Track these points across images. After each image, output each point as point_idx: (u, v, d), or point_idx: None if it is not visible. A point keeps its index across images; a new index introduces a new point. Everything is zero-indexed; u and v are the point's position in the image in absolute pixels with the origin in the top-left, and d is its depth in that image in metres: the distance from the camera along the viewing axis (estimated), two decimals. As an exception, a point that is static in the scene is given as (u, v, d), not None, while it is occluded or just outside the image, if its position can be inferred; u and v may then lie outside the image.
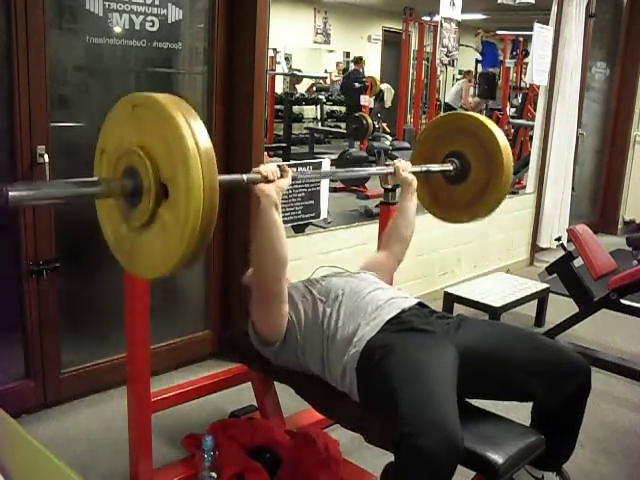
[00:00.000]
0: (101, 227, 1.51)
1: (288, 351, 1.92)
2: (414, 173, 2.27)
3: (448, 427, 1.45)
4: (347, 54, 11.45)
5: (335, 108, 10.25)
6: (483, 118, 2.37)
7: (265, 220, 1.71)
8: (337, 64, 10.52)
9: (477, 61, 10.62)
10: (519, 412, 1.91)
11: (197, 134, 1.25)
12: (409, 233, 2.27)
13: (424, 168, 2.33)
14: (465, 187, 2.39)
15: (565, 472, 1.92)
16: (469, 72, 9.79)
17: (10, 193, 1.20)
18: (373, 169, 2.21)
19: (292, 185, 2.96)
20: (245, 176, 1.70)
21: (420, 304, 1.96)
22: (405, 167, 2.24)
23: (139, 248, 1.40)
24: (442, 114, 2.60)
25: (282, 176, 1.75)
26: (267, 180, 1.71)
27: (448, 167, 2.37)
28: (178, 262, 1.31)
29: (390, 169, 2.25)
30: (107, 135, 1.46)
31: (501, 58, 9.38)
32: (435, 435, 1.42)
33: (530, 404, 1.90)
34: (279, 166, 1.77)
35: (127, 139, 1.36)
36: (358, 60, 9.08)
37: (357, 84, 8.49)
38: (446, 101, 9.24)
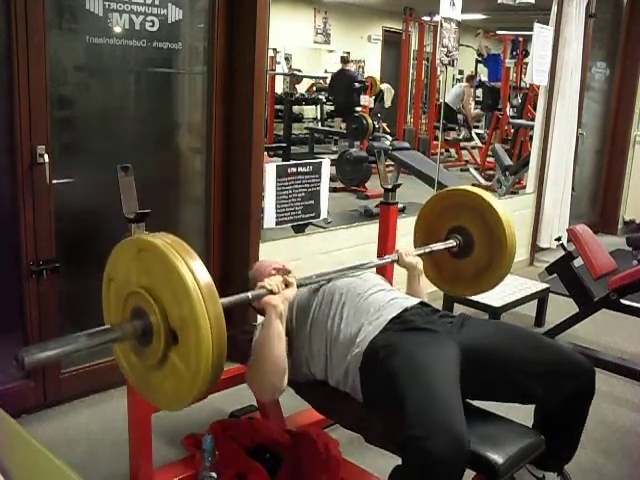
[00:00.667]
0: (115, 356, 1.57)
1: (297, 366, 1.92)
2: (419, 255, 2.23)
3: (455, 429, 1.45)
4: (347, 54, 11.45)
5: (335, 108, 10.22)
6: (485, 194, 2.33)
7: (270, 330, 1.72)
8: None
9: (477, 61, 10.62)
10: (519, 412, 1.91)
11: (198, 277, 1.31)
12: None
13: (427, 249, 2.29)
14: (469, 262, 2.37)
15: (566, 472, 1.92)
16: (472, 77, 9.80)
17: (26, 360, 1.24)
18: (375, 260, 2.21)
19: (292, 185, 2.98)
20: (250, 294, 1.72)
21: (422, 303, 1.97)
22: (408, 252, 2.21)
23: (151, 383, 1.47)
24: (442, 190, 2.54)
25: (287, 286, 1.77)
26: (272, 293, 1.73)
27: (451, 244, 2.34)
28: (191, 401, 1.39)
29: (394, 256, 2.21)
30: (115, 266, 1.51)
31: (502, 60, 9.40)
32: (443, 438, 1.42)
33: (531, 405, 1.90)
34: (284, 278, 1.78)
35: (134, 279, 1.42)
36: (346, 60, 9.13)
37: (353, 84, 8.57)
38: (445, 101, 9.23)
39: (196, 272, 1.31)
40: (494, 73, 9.55)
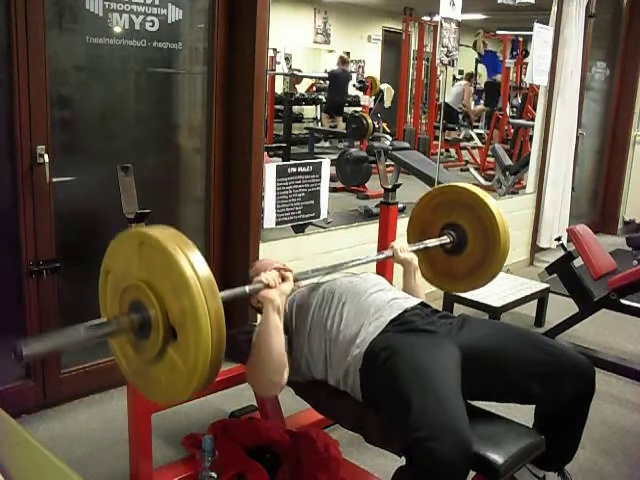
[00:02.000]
0: (111, 349, 1.55)
1: (296, 367, 1.92)
2: (413, 251, 2.24)
3: (460, 431, 1.45)
4: (347, 54, 11.45)
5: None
6: (478, 191, 2.34)
7: (268, 324, 1.73)
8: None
9: (477, 61, 10.62)
10: (519, 412, 1.91)
11: (198, 270, 1.29)
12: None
13: (421, 245, 2.30)
14: (463, 258, 2.37)
15: (567, 472, 1.92)
16: (471, 76, 9.80)
17: (24, 352, 1.23)
18: (371, 256, 2.21)
19: (292, 185, 2.98)
20: (247, 288, 1.72)
21: (422, 304, 1.97)
22: (403, 247, 2.21)
23: (149, 377, 1.46)
24: (438, 186, 2.56)
25: (283, 280, 1.78)
26: (269, 287, 1.73)
27: (445, 240, 2.35)
28: (188, 396, 1.39)
29: (389, 252, 2.21)
30: (112, 259, 1.50)
31: (502, 58, 9.41)
32: (448, 438, 1.42)
33: (531, 405, 1.90)
34: (280, 272, 1.78)
35: (134, 272, 1.40)
36: (345, 60, 9.22)
37: (342, 83, 8.75)
38: (446, 101, 9.24)
39: (196, 265, 1.30)
40: (493, 68, 9.56)
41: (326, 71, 9.58)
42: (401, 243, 2.25)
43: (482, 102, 10.12)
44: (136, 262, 1.40)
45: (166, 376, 1.40)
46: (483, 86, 9.71)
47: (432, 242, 2.33)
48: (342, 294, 1.92)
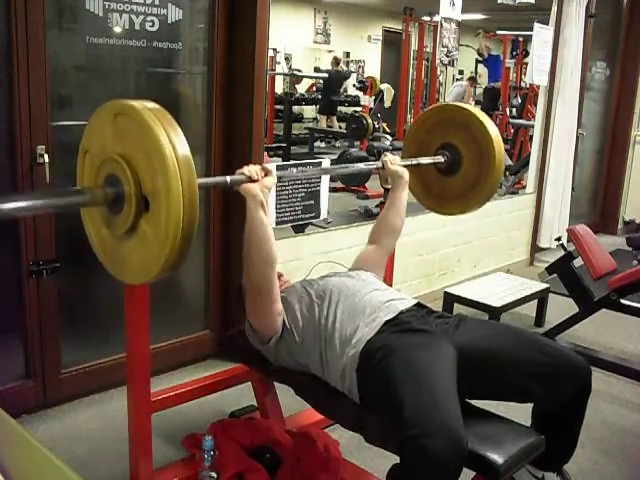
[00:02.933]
0: (86, 231, 1.54)
1: (287, 352, 1.92)
2: (405, 166, 2.24)
3: (454, 428, 1.45)
4: (347, 54, 11.46)
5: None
6: (476, 111, 2.33)
7: (252, 219, 1.73)
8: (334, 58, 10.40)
9: (477, 61, 10.62)
10: (519, 412, 1.91)
11: (176, 145, 1.27)
12: (400, 224, 2.26)
13: (414, 161, 2.30)
14: (457, 179, 2.37)
15: (566, 472, 1.92)
16: (473, 78, 9.81)
17: None
18: (361, 165, 2.20)
19: (292, 185, 2.98)
20: (229, 178, 1.71)
21: (418, 304, 1.96)
22: (394, 160, 2.22)
23: (121, 255, 1.43)
24: (436, 104, 2.56)
25: (266, 175, 1.77)
26: (251, 180, 1.72)
27: (439, 159, 2.34)
28: (158, 272, 1.35)
29: (379, 163, 2.23)
30: (90, 136, 1.47)
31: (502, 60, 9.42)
32: (441, 436, 1.42)
33: (530, 404, 1.90)
34: (262, 166, 1.78)
35: (110, 146, 1.38)
36: (338, 61, 9.30)
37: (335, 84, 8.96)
38: (446, 101, 9.25)
39: (174, 140, 1.28)
40: (494, 73, 9.55)
41: (316, 69, 9.63)
42: (392, 156, 2.25)
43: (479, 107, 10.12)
44: (111, 135, 1.37)
45: (137, 251, 1.37)
46: (482, 91, 9.73)
47: (426, 159, 2.34)
48: (335, 293, 1.91)
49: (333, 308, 1.87)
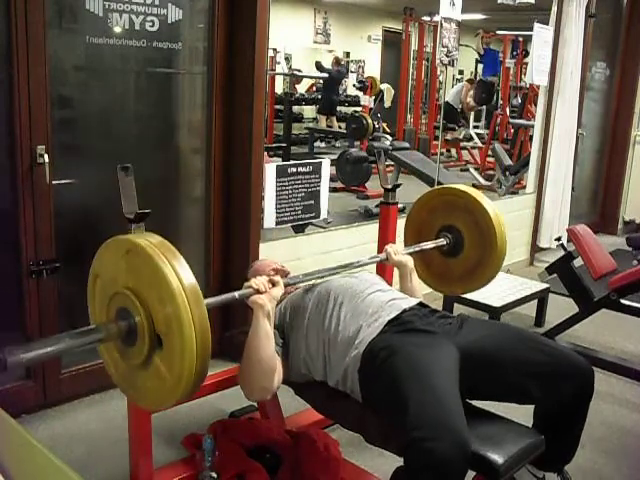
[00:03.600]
0: (99, 354, 1.57)
1: (296, 370, 1.93)
2: (408, 253, 2.24)
3: (458, 430, 1.45)
4: (347, 54, 11.45)
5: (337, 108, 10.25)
6: (477, 194, 2.33)
7: (257, 328, 1.72)
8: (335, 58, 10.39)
9: (477, 61, 10.63)
10: (519, 412, 1.91)
11: (183, 279, 1.31)
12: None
13: (417, 248, 2.29)
14: (459, 261, 2.36)
15: (566, 473, 1.92)
16: (472, 80, 9.83)
17: (9, 361, 1.23)
18: (364, 259, 2.16)
19: (292, 185, 2.98)
20: (237, 293, 1.71)
21: (421, 304, 1.96)
22: (397, 250, 2.21)
23: (134, 382, 1.47)
24: (435, 188, 2.57)
25: (273, 285, 1.77)
26: (259, 292, 1.73)
27: (442, 242, 2.34)
28: (172, 403, 1.40)
29: (383, 255, 2.21)
30: (102, 263, 1.51)
31: (502, 59, 9.41)
32: (446, 438, 1.42)
33: (531, 404, 1.90)
34: (270, 278, 1.78)
35: (121, 279, 1.41)
36: (339, 61, 9.40)
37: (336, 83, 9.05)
38: (446, 100, 9.25)
39: (181, 274, 1.31)
40: (491, 67, 9.53)
41: (317, 63, 9.65)
42: (395, 246, 2.24)
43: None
44: (123, 269, 1.41)
45: (152, 383, 1.40)
46: (476, 84, 9.75)
47: (428, 245, 2.33)
48: (339, 295, 1.91)
49: (337, 311, 1.88)
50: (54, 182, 2.40)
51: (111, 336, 1.42)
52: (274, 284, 1.77)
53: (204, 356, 1.33)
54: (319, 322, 1.88)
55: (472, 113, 9.78)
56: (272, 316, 1.75)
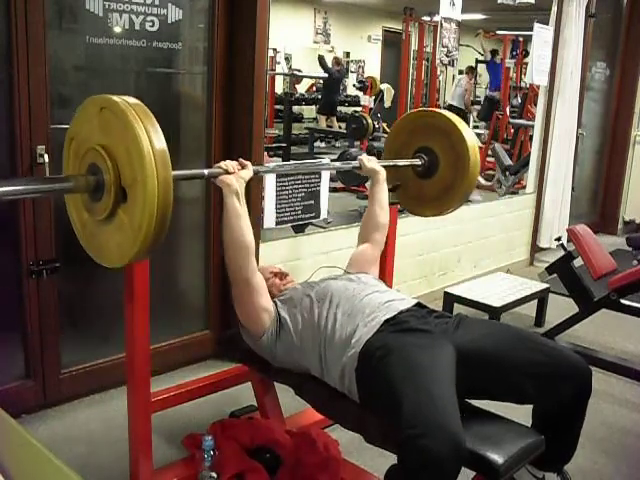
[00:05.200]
0: (69, 215, 1.66)
1: (285, 352, 1.93)
2: (383, 166, 2.35)
3: (452, 428, 1.45)
4: (347, 54, 11.45)
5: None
6: (455, 118, 2.42)
7: (226, 208, 1.80)
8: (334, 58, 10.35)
9: (477, 61, 10.62)
10: (519, 412, 1.91)
11: (153, 140, 1.38)
12: (385, 218, 2.34)
13: (391, 162, 2.43)
14: (433, 182, 2.47)
15: (566, 473, 1.92)
16: (471, 68, 9.77)
17: None
18: (338, 163, 2.36)
19: (292, 185, 2.98)
20: (206, 170, 1.84)
21: (418, 304, 1.96)
22: (370, 158, 2.35)
23: (99, 238, 1.56)
24: (414, 110, 2.74)
25: (243, 168, 1.86)
26: (228, 173, 1.81)
27: (416, 162, 2.44)
28: (132, 257, 1.48)
29: (356, 163, 2.33)
30: (77, 126, 1.57)
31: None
32: (440, 436, 1.42)
33: (529, 405, 1.90)
34: (239, 160, 1.87)
35: (94, 137, 1.48)
36: (339, 61, 9.50)
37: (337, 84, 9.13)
38: (450, 103, 9.24)
39: (152, 135, 1.38)
40: (496, 82, 9.54)
41: (320, 57, 9.66)
42: (366, 156, 2.38)
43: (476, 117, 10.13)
44: (97, 127, 1.47)
45: (115, 236, 1.49)
46: (482, 99, 9.80)
47: (403, 162, 2.45)
48: (336, 296, 1.92)
49: (333, 311, 1.88)
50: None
51: (79, 188, 1.49)
52: (243, 167, 1.86)
53: (164, 212, 1.39)
54: (315, 320, 1.88)
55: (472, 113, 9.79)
56: (241, 195, 1.81)
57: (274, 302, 1.98)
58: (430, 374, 1.61)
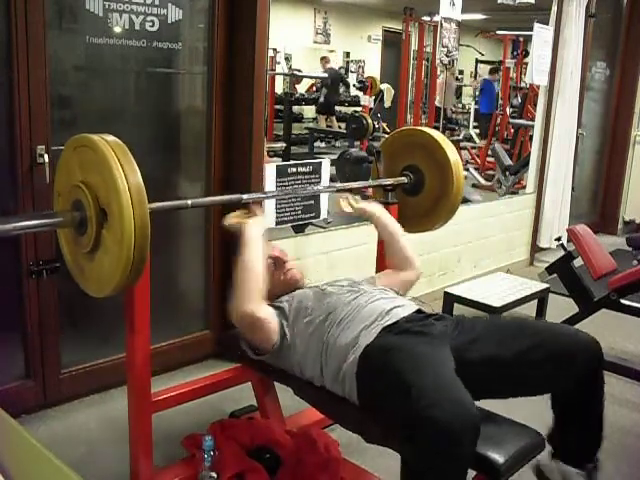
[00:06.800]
0: (61, 251, 1.79)
1: (287, 361, 1.93)
2: (374, 195, 2.42)
3: (462, 399, 1.46)
4: (347, 54, 11.46)
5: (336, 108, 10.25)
6: (434, 133, 2.50)
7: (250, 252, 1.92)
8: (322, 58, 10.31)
9: (477, 61, 10.63)
10: (519, 412, 1.90)
11: (128, 172, 1.50)
12: (402, 246, 2.28)
13: (375, 183, 2.49)
14: (421, 198, 2.52)
15: (595, 465, 1.86)
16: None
17: None
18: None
19: (292, 185, 2.97)
20: (190, 201, 1.88)
21: (418, 311, 1.96)
22: (352, 200, 2.30)
23: (90, 272, 1.67)
24: (395, 130, 2.80)
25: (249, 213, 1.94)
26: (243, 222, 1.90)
27: (403, 180, 2.50)
28: (119, 279, 1.56)
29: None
30: (60, 179, 1.72)
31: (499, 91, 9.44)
32: (449, 405, 1.42)
33: (531, 403, 1.89)
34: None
35: (74, 176, 1.63)
36: (327, 60, 9.67)
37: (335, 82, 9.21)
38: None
39: (129, 175, 1.50)
40: (489, 101, 9.58)
41: (322, 59, 9.71)
42: (352, 197, 2.33)
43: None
44: (74, 166, 1.62)
45: (103, 261, 1.59)
46: (478, 118, 9.89)
47: (388, 181, 2.49)
48: (338, 306, 1.91)
49: (336, 322, 1.87)
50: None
51: (66, 223, 1.63)
52: (249, 212, 1.95)
53: (142, 221, 1.50)
54: (317, 331, 1.88)
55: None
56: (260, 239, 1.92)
57: (276, 309, 1.97)
58: (434, 360, 1.63)
